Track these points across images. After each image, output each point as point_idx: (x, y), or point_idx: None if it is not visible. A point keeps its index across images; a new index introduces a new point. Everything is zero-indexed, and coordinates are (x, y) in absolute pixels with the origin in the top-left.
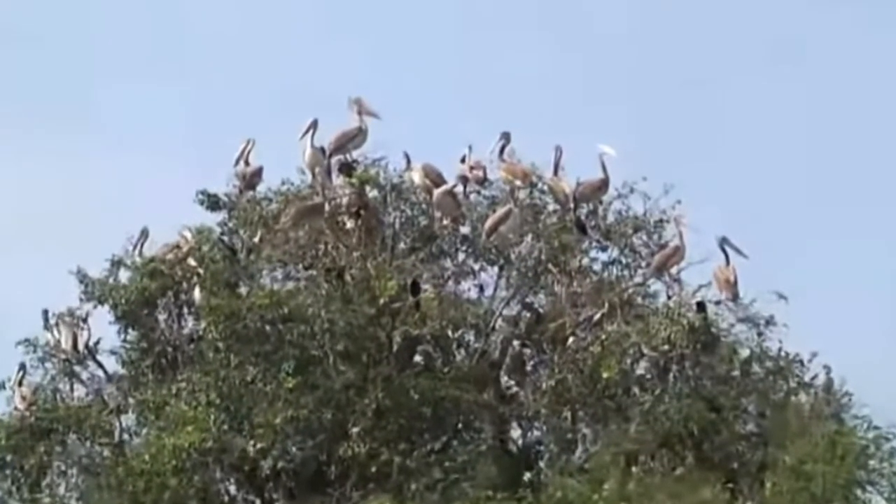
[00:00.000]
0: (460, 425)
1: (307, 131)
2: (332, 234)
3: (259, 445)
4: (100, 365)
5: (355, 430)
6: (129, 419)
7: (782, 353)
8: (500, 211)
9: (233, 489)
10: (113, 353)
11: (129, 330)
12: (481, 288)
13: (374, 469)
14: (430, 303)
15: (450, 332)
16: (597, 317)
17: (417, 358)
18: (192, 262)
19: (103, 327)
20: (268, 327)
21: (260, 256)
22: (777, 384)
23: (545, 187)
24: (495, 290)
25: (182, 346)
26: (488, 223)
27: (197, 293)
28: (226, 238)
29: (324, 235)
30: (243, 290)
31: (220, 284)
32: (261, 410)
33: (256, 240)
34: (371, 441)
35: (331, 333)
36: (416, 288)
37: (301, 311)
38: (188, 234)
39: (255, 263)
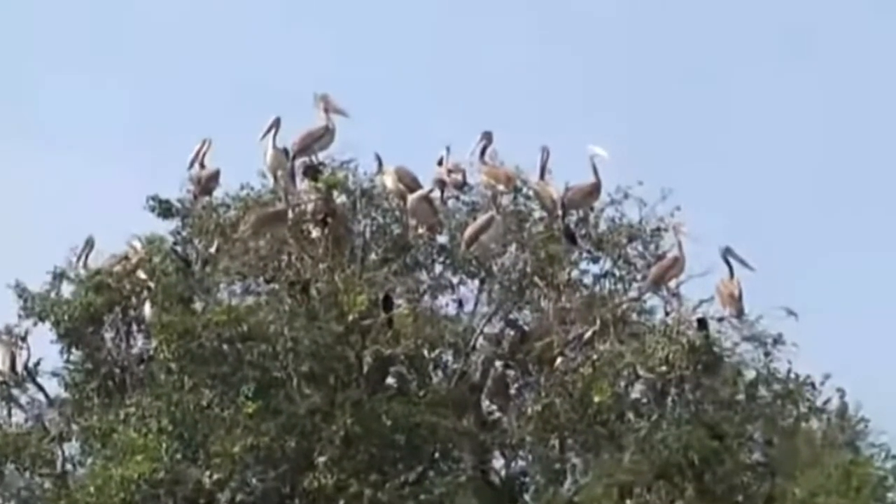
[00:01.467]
0: (437, 454)
1: (269, 131)
2: (297, 243)
3: (216, 476)
4: (40, 388)
5: (321, 459)
6: (72, 447)
7: (792, 375)
8: (482, 218)
9: None
10: (55, 374)
11: (73, 349)
12: (460, 303)
13: (342, 502)
14: (404, 319)
15: (426, 352)
16: (588, 335)
17: (390, 380)
18: (141, 274)
19: (44, 346)
20: (225, 346)
21: (217, 268)
22: (786, 409)
23: (530, 192)
24: (476, 305)
25: (131, 368)
26: (468, 232)
27: (147, 309)
28: (179, 248)
29: (287, 245)
30: (198, 305)
31: (173, 299)
32: (217, 438)
33: (213, 250)
34: (339, 472)
35: (295, 353)
36: (388, 303)
37: (262, 328)
38: (137, 244)
39: (212, 276)
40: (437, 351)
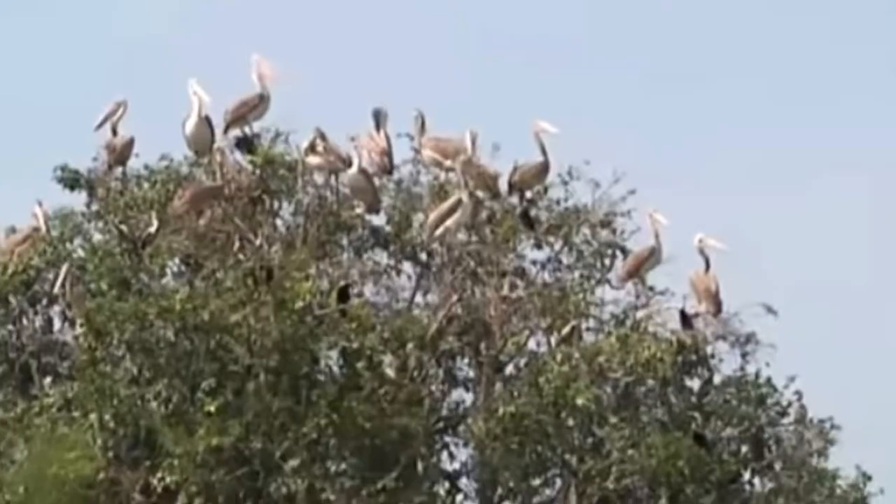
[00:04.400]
0: (415, 458)
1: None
2: (248, 223)
3: (169, 479)
4: None
5: (293, 463)
6: None
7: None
8: (448, 201)
9: None
10: None
11: None
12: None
13: None
14: (360, 310)
15: (384, 347)
16: (566, 330)
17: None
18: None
19: None
20: (185, 337)
21: (160, 250)
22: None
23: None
24: (414, 294)
25: (39, 353)
26: (433, 216)
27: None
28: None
29: (227, 224)
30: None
31: (115, 282)
32: (175, 437)
33: (152, 230)
34: (310, 477)
35: (261, 346)
36: (344, 293)
37: (224, 317)
38: (39, 212)
39: (158, 258)
40: (409, 346)
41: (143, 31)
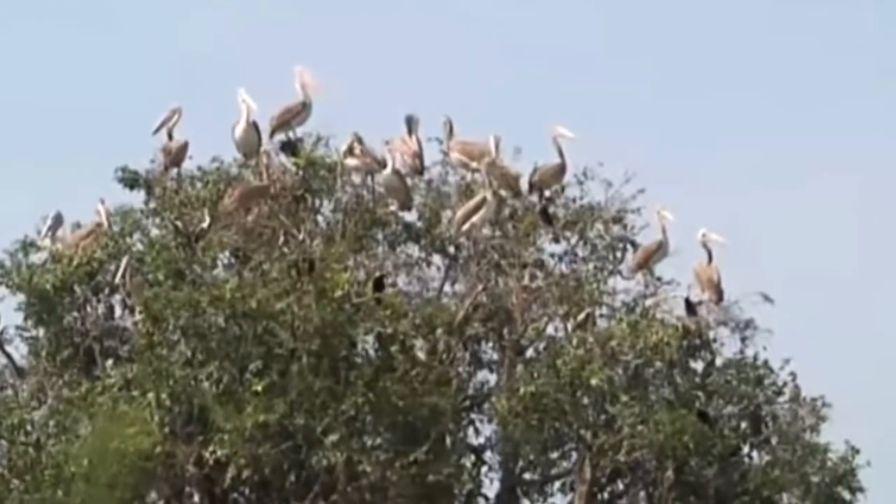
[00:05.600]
0: (444, 434)
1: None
2: (292, 219)
3: (220, 452)
4: (8, 356)
5: (332, 438)
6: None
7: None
8: (474, 199)
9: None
10: (28, 339)
11: (42, 318)
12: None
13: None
14: (394, 298)
15: (416, 332)
16: (581, 317)
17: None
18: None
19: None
20: (232, 323)
21: (212, 243)
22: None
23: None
24: (442, 284)
25: (101, 337)
26: (460, 213)
27: (123, 278)
28: (177, 222)
29: (276, 220)
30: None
31: (171, 273)
32: (225, 414)
33: (205, 225)
34: (348, 450)
35: (304, 331)
36: (380, 284)
37: (270, 305)
38: (102, 209)
39: (210, 251)
40: (438, 331)
41: (197, 46)
